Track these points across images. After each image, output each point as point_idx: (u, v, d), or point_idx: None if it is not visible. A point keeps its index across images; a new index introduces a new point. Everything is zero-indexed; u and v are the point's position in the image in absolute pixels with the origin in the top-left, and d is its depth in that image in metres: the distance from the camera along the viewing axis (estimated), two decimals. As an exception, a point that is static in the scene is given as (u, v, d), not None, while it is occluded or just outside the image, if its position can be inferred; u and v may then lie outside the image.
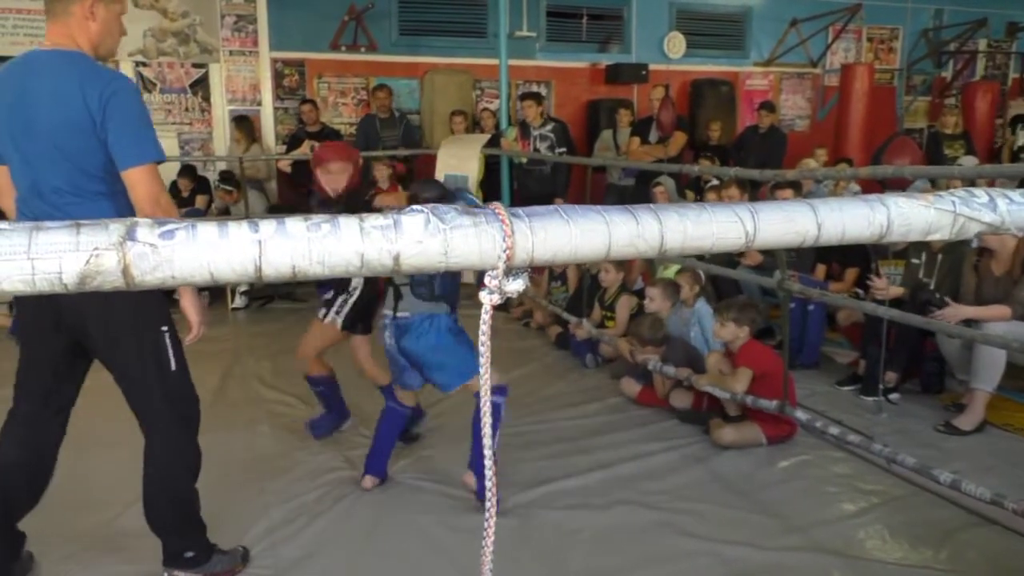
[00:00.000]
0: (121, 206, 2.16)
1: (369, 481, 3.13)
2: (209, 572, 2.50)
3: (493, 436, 0.91)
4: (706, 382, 3.71)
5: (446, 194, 2.99)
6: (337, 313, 3.42)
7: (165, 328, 2.32)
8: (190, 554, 2.47)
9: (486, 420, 0.88)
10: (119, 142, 2.08)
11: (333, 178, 3.33)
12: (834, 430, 3.22)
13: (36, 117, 2.07)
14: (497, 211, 0.75)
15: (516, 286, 0.77)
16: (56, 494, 2.48)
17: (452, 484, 3.13)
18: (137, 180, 2.10)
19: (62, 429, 2.42)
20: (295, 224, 0.72)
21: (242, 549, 2.66)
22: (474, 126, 7.78)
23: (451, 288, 2.97)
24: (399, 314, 2.94)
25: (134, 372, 2.31)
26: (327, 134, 7.33)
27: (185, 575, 2.48)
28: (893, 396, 4.08)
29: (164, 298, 2.33)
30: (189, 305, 2.34)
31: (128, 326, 2.26)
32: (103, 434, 3.32)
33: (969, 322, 3.56)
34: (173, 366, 2.34)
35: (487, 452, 0.87)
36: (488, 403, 0.86)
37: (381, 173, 6.65)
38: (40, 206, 2.13)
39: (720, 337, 3.78)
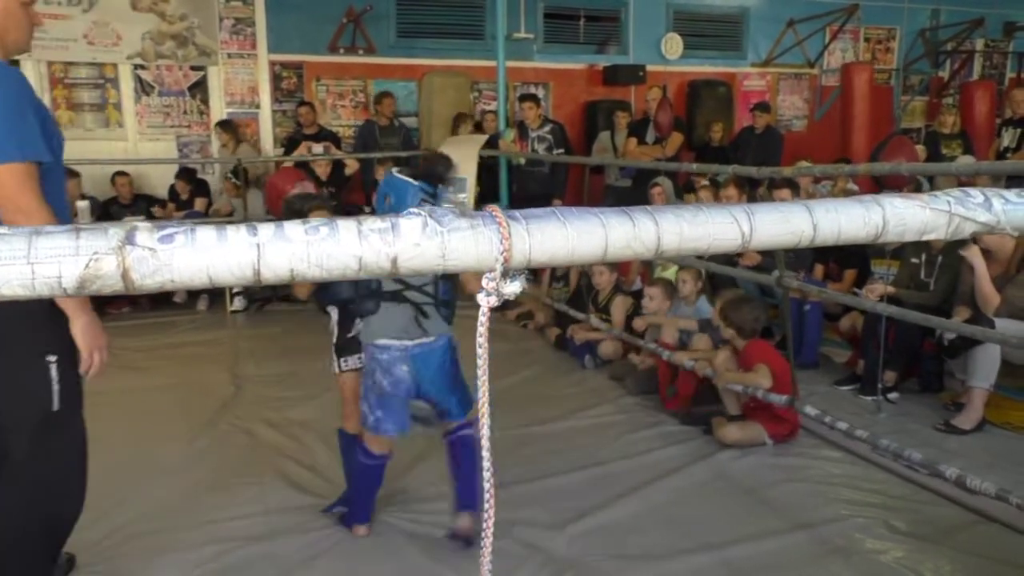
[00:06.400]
0: None
1: (363, 529, 2.80)
2: None
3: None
4: (729, 379, 3.62)
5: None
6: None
7: (53, 358, 1.92)
8: None
9: (484, 437, 0.83)
10: None
11: None
12: (842, 425, 3.20)
13: None
14: (494, 213, 0.76)
15: (514, 288, 0.77)
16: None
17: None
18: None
19: None
20: (293, 228, 0.72)
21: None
22: (475, 129, 7.76)
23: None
24: (424, 340, 2.56)
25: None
26: (324, 136, 7.33)
27: None
28: (892, 395, 4.08)
29: (57, 320, 1.89)
30: (78, 332, 1.90)
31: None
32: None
33: (968, 320, 3.57)
34: (56, 404, 1.93)
35: (486, 475, 0.85)
36: (487, 416, 0.83)
37: None
38: None
39: (722, 334, 3.78)
